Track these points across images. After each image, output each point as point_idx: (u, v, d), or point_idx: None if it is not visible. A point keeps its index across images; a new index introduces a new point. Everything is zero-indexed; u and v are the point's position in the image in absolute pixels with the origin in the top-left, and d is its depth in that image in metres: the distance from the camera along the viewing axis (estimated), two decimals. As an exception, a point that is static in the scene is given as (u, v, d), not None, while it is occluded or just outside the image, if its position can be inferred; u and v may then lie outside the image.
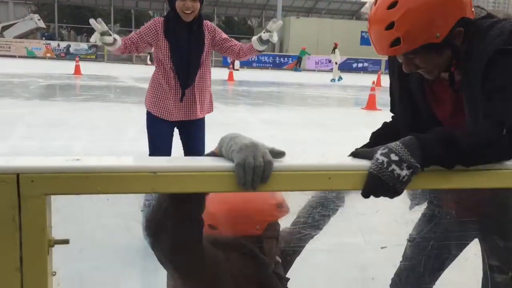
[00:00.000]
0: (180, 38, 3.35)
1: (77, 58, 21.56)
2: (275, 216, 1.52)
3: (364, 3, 54.43)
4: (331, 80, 23.11)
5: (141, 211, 1.32)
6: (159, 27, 3.38)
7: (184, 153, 3.64)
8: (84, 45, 33.49)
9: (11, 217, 1.01)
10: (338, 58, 23.32)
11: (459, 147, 1.21)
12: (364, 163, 1.21)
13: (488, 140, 1.26)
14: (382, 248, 1.55)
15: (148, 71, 22.74)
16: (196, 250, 1.35)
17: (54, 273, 1.11)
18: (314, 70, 33.10)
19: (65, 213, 1.13)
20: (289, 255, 1.68)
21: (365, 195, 1.18)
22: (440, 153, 1.20)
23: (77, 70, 19.38)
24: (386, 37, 1.41)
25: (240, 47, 3.54)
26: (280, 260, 1.59)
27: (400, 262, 1.88)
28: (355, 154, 1.26)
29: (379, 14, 1.43)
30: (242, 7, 45.05)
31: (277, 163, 1.12)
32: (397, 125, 1.78)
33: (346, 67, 33.90)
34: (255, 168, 1.07)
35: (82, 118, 8.87)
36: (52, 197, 1.06)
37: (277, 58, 34.30)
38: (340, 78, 23.14)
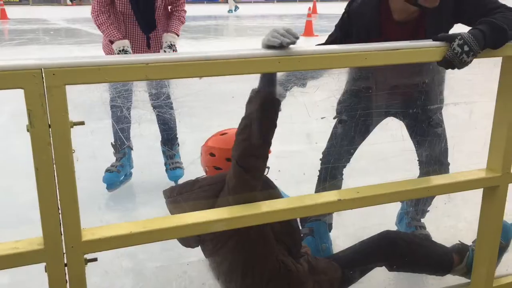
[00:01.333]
0: None
1: (1, 2, 20.23)
2: None
3: None
4: (228, 11, 23.08)
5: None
6: None
7: None
8: (5, -12, 31.19)
9: (40, 103, 1.29)
10: None
11: (507, 32, 1.71)
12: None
13: None
14: (322, 118, 1.97)
15: (79, 10, 21.50)
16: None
17: (73, 151, 1.42)
18: (250, 2, 32.73)
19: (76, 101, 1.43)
20: None
21: (440, 65, 1.67)
22: (495, 41, 1.70)
23: (3, 15, 18.32)
24: None
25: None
26: None
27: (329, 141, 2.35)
28: (437, 38, 1.68)
29: None
30: None
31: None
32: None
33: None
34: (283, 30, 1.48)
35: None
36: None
37: (212, -9, 33.50)
38: (236, 8, 23.23)
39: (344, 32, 2.21)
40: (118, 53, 3.09)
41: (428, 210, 2.61)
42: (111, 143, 3.44)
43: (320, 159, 2.41)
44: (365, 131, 2.36)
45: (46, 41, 12.16)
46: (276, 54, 1.49)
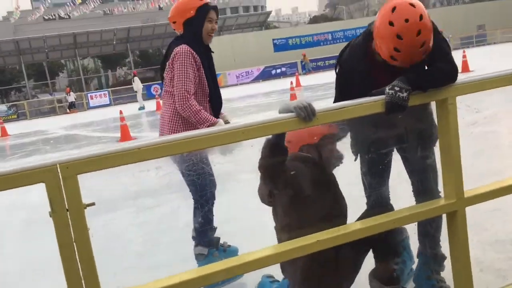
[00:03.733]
0: (209, 62, 3.22)
1: (0, 120, 21.17)
2: (327, 130, 2.46)
3: (269, 13, 56.37)
4: (139, 109, 22.67)
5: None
6: (195, 57, 3.07)
7: None
8: (3, 107, 32.53)
9: (58, 191, 1.62)
10: (138, 86, 23.18)
11: (431, 80, 2.13)
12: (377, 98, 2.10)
13: (447, 75, 2.19)
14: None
15: (75, 117, 22.19)
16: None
17: (88, 228, 1.73)
18: (236, 85, 34.13)
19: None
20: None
21: (387, 114, 2.07)
22: (420, 83, 2.12)
23: (3, 132, 19.09)
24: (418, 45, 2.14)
25: None
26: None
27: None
28: (371, 94, 2.10)
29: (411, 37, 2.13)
30: (154, 38, 45.47)
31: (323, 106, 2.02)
32: None
33: (266, 75, 35.27)
34: (305, 107, 1.91)
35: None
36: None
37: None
38: (142, 108, 22.66)
39: (340, 87, 2.54)
40: None
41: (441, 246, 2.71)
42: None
43: (366, 203, 2.68)
44: (385, 163, 2.66)
45: (47, 150, 12.71)
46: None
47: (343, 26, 42.22)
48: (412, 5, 2.10)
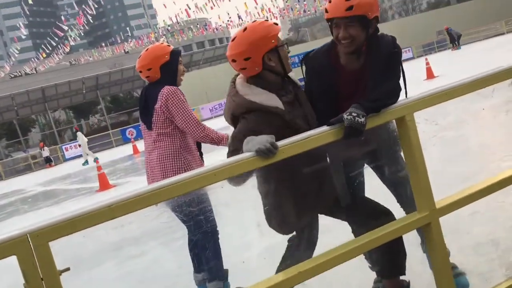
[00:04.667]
0: None
1: (-26, 185, 20.67)
2: (277, 29, 2.37)
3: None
4: (83, 164, 22.07)
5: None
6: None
7: None
8: (-24, 169, 31.88)
9: (31, 262, 1.61)
10: (83, 140, 22.12)
11: (381, 102, 2.26)
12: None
13: (393, 94, 2.38)
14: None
15: (52, 172, 21.70)
16: None
17: (66, 293, 1.71)
18: (211, 118, 34.24)
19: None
20: None
21: (346, 138, 2.14)
22: (373, 106, 2.23)
23: (-22, 198, 18.64)
24: (344, 5, 2.37)
25: None
26: None
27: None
28: (331, 122, 2.17)
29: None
30: (124, 82, 45.51)
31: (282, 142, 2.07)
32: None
33: (239, 105, 35.34)
34: (268, 149, 1.99)
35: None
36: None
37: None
38: (86, 163, 22.03)
39: (307, 88, 2.63)
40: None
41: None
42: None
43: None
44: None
45: (26, 209, 12.47)
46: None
47: (308, 48, 42.35)
48: None
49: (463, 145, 5.56)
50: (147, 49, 3.37)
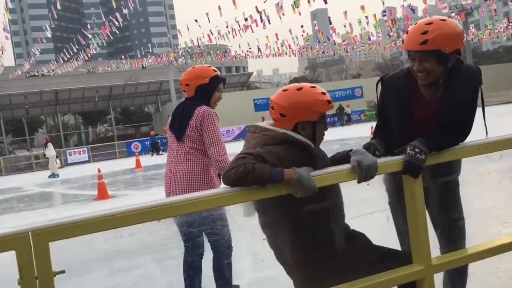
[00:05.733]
0: None
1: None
2: (326, 108, 2.26)
3: (251, 73, 57.85)
4: (49, 177, 21.36)
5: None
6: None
7: None
8: (-23, 163, 31.95)
9: (28, 259, 1.62)
10: (51, 152, 21.84)
11: (443, 142, 2.30)
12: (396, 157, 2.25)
13: (454, 138, 2.37)
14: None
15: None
16: None
17: (57, 296, 1.71)
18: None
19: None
20: None
21: (403, 173, 2.20)
22: (435, 145, 2.26)
23: (-26, 191, 18.64)
24: (419, 38, 2.32)
25: None
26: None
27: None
28: (395, 153, 2.26)
29: (417, 28, 2.37)
30: (137, 96, 45.95)
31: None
32: (381, 131, 2.60)
33: (246, 133, 35.51)
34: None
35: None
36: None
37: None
38: (54, 175, 21.48)
39: (382, 112, 2.63)
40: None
41: None
42: None
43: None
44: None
45: (21, 208, 12.44)
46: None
47: (322, 87, 43.31)
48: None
49: (466, 205, 5.52)
50: (194, 66, 3.53)
